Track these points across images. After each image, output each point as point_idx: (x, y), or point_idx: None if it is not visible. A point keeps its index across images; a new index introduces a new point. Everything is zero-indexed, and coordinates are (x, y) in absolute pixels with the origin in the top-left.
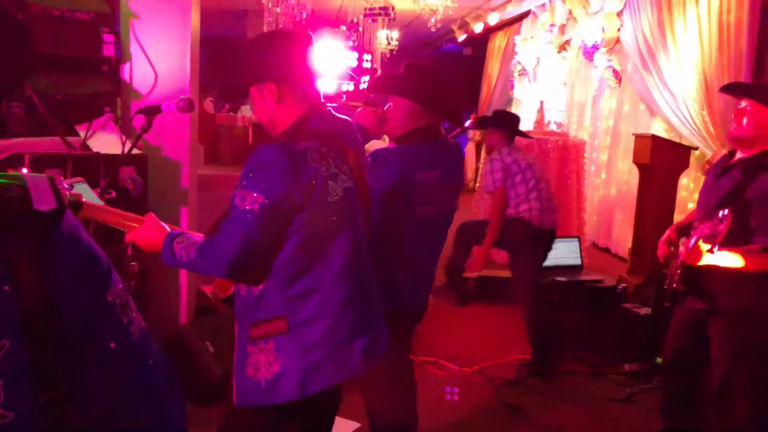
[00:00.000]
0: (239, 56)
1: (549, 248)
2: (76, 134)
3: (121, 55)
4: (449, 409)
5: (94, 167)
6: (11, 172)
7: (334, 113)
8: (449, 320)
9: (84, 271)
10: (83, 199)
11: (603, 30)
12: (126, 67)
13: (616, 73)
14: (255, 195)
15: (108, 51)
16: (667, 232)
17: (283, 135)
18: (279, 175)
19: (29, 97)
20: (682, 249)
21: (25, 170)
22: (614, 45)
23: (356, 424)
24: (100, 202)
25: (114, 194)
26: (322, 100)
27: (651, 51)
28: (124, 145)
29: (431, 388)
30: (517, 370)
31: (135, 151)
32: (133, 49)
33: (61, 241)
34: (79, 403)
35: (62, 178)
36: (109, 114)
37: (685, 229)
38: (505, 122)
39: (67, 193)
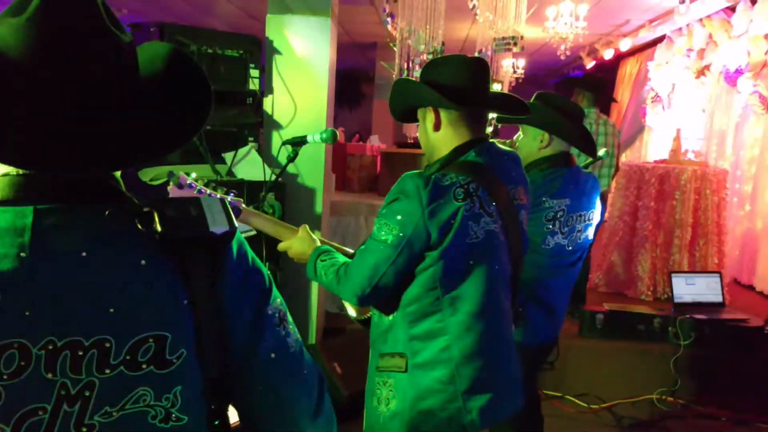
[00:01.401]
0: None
1: None
2: (223, 162)
3: (265, 89)
4: None
5: (239, 193)
6: (175, 191)
7: (499, 146)
8: (577, 355)
9: (249, 287)
10: (242, 206)
11: (748, 53)
12: (268, 100)
13: (763, 98)
14: (391, 226)
15: (253, 85)
16: None
17: (436, 164)
18: (417, 208)
19: None
20: None
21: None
22: (761, 69)
23: None
24: None
25: None
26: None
27: None
28: (266, 172)
29: (558, 424)
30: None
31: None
32: (275, 82)
33: (231, 260)
34: (240, 410)
35: (226, 190)
36: (253, 143)
37: None
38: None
39: (229, 199)
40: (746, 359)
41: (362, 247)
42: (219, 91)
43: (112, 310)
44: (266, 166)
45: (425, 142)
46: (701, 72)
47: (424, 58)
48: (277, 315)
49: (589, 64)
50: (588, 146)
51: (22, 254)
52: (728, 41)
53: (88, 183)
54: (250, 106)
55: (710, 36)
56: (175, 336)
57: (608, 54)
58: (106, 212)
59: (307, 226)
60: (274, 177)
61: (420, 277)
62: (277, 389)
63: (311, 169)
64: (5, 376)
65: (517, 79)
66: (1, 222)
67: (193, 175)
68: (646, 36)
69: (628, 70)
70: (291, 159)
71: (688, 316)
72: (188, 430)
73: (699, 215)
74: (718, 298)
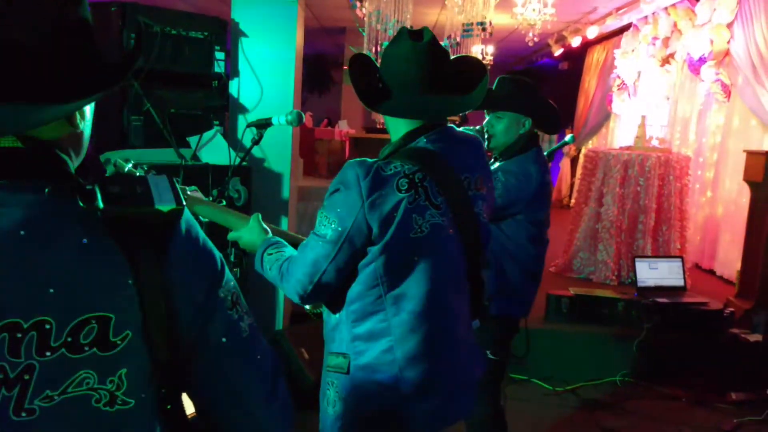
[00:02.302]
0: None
1: None
2: (188, 145)
3: (230, 72)
4: (542, 429)
5: (204, 177)
6: (133, 172)
7: (457, 132)
8: (542, 339)
9: (199, 268)
10: (188, 192)
11: (711, 42)
12: (234, 83)
13: (724, 86)
14: (330, 219)
15: (219, 68)
16: None
17: (385, 151)
18: (357, 199)
19: (147, 111)
20: None
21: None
22: (723, 57)
23: None
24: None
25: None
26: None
27: (765, 63)
28: (231, 156)
29: (523, 406)
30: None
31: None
32: (242, 65)
33: (179, 239)
34: (193, 396)
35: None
36: (218, 127)
37: None
38: None
39: None
40: (706, 341)
41: (304, 241)
42: (182, 74)
43: (52, 291)
44: (231, 150)
45: (386, 127)
46: (666, 60)
47: None
48: (229, 298)
49: (557, 52)
50: (553, 122)
51: None
52: (692, 30)
53: (29, 160)
54: (216, 89)
55: (675, 24)
56: (119, 317)
57: (576, 41)
58: (46, 190)
59: (259, 215)
60: (239, 161)
61: (362, 274)
62: (228, 374)
63: (278, 153)
64: None
65: (486, 65)
66: None
67: (131, 162)
68: (612, 24)
69: (595, 57)
70: (256, 141)
71: (651, 299)
72: (135, 414)
73: (662, 201)
74: (680, 283)
